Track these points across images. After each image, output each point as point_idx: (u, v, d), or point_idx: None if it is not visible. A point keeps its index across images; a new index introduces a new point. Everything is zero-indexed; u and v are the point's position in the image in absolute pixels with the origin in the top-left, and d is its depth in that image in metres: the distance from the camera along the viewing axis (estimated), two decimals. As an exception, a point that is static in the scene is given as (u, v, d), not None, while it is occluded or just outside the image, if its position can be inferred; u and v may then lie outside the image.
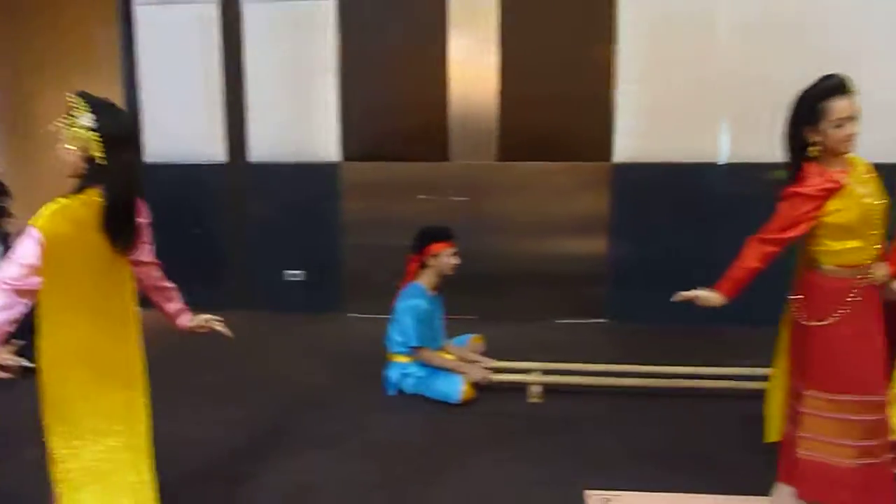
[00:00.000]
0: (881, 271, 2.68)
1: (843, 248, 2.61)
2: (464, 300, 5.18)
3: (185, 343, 5.07)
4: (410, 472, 3.36)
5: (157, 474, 2.43)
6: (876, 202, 2.62)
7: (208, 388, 4.44)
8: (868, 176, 2.66)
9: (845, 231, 2.59)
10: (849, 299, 2.63)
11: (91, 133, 2.19)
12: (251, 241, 6.10)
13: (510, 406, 4.12)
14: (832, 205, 2.57)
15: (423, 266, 4.34)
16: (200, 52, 5.94)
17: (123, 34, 6.22)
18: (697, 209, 5.58)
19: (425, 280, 4.35)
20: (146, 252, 2.49)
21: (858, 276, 2.64)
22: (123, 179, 2.26)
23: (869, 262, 2.65)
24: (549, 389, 4.25)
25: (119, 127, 2.27)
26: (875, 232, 2.64)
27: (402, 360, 4.31)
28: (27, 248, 2.10)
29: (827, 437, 2.67)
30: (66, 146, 2.23)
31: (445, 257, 4.29)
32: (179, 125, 6.04)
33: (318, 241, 6.01)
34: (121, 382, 2.33)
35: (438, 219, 5.24)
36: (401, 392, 4.30)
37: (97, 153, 2.20)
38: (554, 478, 3.29)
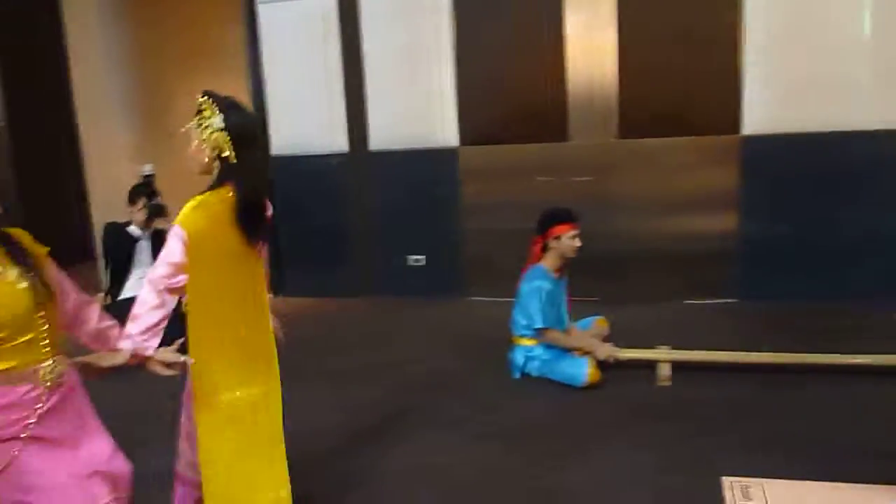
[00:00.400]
0: None
1: None
2: (586, 282, 5.10)
3: (312, 328, 5.27)
4: (536, 456, 3.35)
5: (288, 458, 2.52)
6: None
7: (334, 373, 4.57)
8: None
9: None
10: None
11: (222, 133, 2.28)
12: (373, 228, 6.22)
13: (637, 389, 4.04)
14: None
15: (545, 248, 4.30)
16: (320, 44, 6.09)
17: (248, 32, 6.47)
18: (834, 180, 5.25)
19: (548, 262, 4.31)
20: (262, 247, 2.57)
21: None
22: (254, 176, 2.34)
23: None
24: (677, 372, 4.12)
25: (247, 125, 2.34)
26: None
27: (527, 343, 4.30)
28: (173, 247, 2.22)
29: None
30: (198, 147, 2.32)
31: (567, 239, 4.23)
32: (303, 118, 6.23)
33: (439, 226, 6.06)
34: (260, 371, 2.43)
35: (559, 200, 5.18)
36: (526, 375, 4.29)
37: (228, 152, 2.29)
38: (685, 464, 3.19)
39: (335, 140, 6.17)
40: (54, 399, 1.94)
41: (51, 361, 1.93)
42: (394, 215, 6.14)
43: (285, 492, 2.47)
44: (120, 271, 5.06)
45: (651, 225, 5.66)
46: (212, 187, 2.32)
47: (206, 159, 2.32)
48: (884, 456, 3.11)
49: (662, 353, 4.24)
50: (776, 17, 5.18)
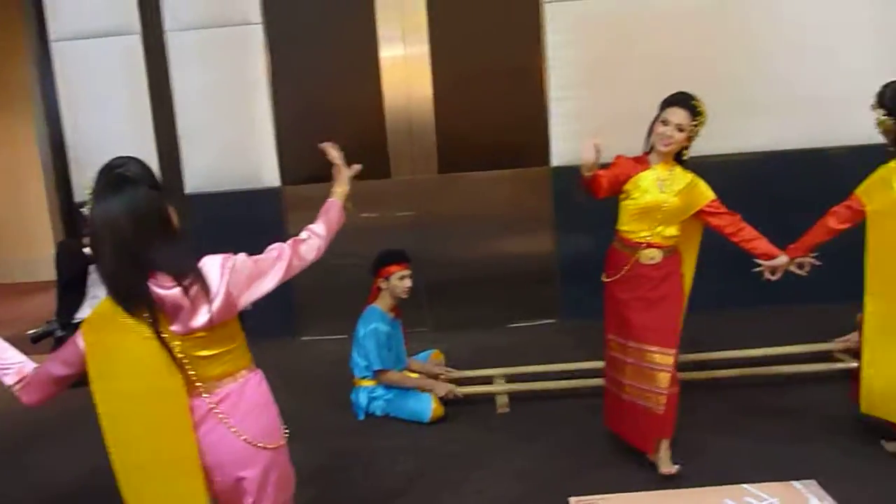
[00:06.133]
0: None
1: None
2: (415, 312, 5.19)
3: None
4: (399, 494, 3.40)
5: None
6: None
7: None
8: None
9: None
10: None
11: None
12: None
13: (480, 419, 4.18)
14: None
15: (380, 289, 4.36)
16: (126, 83, 5.73)
17: (40, 71, 6.01)
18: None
19: (383, 303, 4.36)
20: None
21: None
22: None
23: None
24: (516, 396, 4.34)
25: None
26: None
27: (369, 383, 4.32)
28: None
29: None
30: None
31: (396, 280, 4.30)
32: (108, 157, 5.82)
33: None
34: None
35: (385, 235, 5.25)
36: (370, 415, 4.32)
37: None
38: (538, 488, 3.36)
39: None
40: None
41: None
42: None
43: None
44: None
45: (474, 254, 5.88)
46: None
47: None
48: (729, 454, 3.48)
49: (499, 387, 4.44)
50: (578, 55, 5.56)
